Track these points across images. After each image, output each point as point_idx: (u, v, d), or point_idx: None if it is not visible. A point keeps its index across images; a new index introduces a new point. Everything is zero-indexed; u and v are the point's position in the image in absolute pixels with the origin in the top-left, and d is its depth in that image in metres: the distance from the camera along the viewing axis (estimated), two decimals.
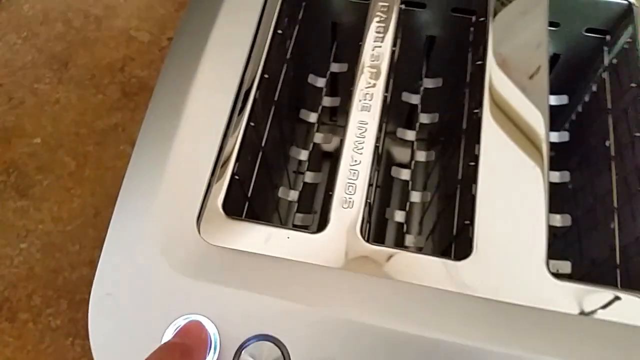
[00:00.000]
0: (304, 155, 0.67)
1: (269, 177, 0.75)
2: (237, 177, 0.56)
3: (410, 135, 0.66)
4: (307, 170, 0.65)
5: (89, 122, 1.12)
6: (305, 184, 0.65)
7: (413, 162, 0.65)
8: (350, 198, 0.53)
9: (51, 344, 0.92)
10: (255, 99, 0.60)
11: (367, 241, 0.51)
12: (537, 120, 0.59)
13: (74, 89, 1.16)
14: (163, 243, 0.51)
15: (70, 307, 0.94)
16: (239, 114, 0.59)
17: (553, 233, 0.64)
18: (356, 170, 0.54)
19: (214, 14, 0.64)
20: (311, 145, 0.67)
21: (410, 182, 0.63)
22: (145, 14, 1.24)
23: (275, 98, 0.69)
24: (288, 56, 0.72)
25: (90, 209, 1.03)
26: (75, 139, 1.10)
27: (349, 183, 0.54)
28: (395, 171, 0.63)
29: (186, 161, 0.55)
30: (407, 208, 0.63)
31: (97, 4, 1.25)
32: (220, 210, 0.53)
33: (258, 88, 0.61)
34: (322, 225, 0.52)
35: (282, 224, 0.78)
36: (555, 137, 0.71)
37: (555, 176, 0.68)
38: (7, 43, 1.22)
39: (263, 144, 0.66)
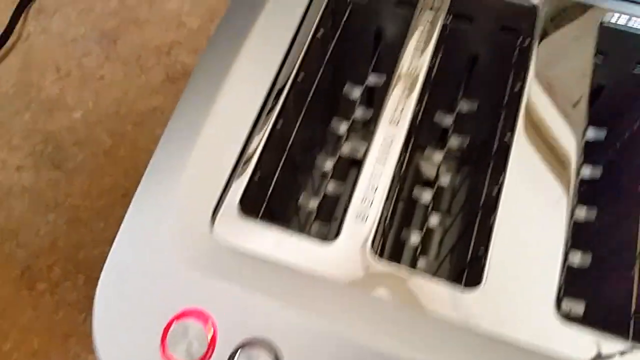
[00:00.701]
0: (328, 164, 0.67)
1: (294, 179, 0.74)
2: (258, 176, 0.56)
3: (438, 157, 0.65)
4: (331, 179, 0.65)
5: (129, 102, 1.13)
6: (326, 193, 0.64)
7: (436, 185, 0.64)
8: (365, 211, 0.52)
9: (65, 316, 0.93)
10: (286, 99, 0.60)
11: (379, 256, 0.51)
12: (568, 155, 0.57)
13: (120, 67, 1.17)
14: (176, 234, 0.51)
15: (87, 284, 0.95)
16: (268, 113, 0.58)
17: (572, 270, 0.63)
18: (375, 184, 0.54)
19: (258, 8, 0.64)
20: (337, 156, 0.66)
21: (431, 204, 0.62)
22: (198, 0, 1.25)
23: (308, 100, 0.68)
24: (326, 59, 0.71)
25: (120, 189, 1.04)
26: (114, 117, 1.11)
27: (365, 197, 0.53)
28: (417, 192, 0.62)
29: (210, 154, 0.55)
30: (425, 230, 0.62)
31: None
32: (236, 208, 0.53)
33: (291, 88, 0.61)
34: (335, 235, 0.52)
35: (301, 228, 0.78)
36: (587, 172, 0.70)
37: (582, 213, 0.67)
38: (63, 15, 1.24)
39: (289, 145, 0.65)
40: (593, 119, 0.67)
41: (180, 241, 0.50)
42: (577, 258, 0.66)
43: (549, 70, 0.61)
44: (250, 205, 0.55)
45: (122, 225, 0.52)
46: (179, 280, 0.49)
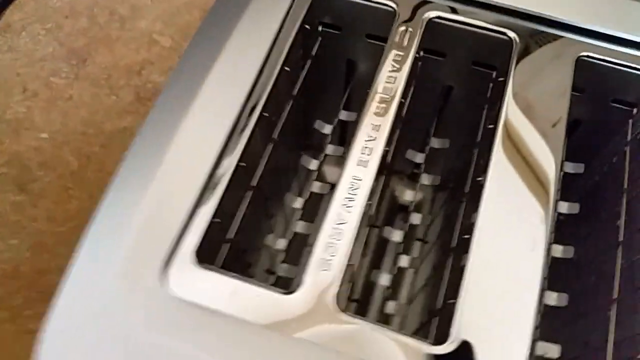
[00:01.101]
0: (299, 202, 0.64)
1: (265, 214, 0.72)
2: (220, 215, 0.53)
3: (409, 194, 0.62)
4: (301, 217, 0.62)
5: (98, 122, 1.10)
6: (296, 233, 0.61)
7: (407, 224, 0.61)
8: (329, 260, 0.50)
9: (25, 347, 0.89)
10: (253, 132, 0.57)
11: (344, 309, 0.48)
12: (543, 194, 0.55)
13: (89, 86, 1.14)
14: (126, 285, 0.48)
15: None
16: (234, 145, 0.56)
17: (548, 312, 0.61)
18: (341, 230, 0.51)
19: (223, 39, 0.61)
20: (308, 193, 0.63)
21: (402, 245, 0.60)
22: (171, 19, 1.22)
23: (277, 133, 0.66)
24: (297, 90, 0.69)
25: (86, 213, 0.99)
26: (82, 138, 1.08)
27: (330, 244, 0.50)
28: (387, 232, 0.60)
29: (166, 196, 0.52)
30: (395, 272, 0.59)
31: (124, 3, 1.24)
32: (191, 256, 0.49)
33: (258, 121, 0.58)
34: (297, 286, 0.49)
35: (271, 267, 0.75)
36: (565, 207, 0.68)
37: (559, 250, 0.64)
38: (30, 33, 1.21)
39: (256, 181, 0.63)
40: (571, 153, 0.65)
41: (130, 293, 0.47)
42: (554, 298, 0.63)
43: (522, 110, 0.59)
44: (210, 250, 0.53)
45: (68, 276, 0.49)
46: (129, 336, 0.46)
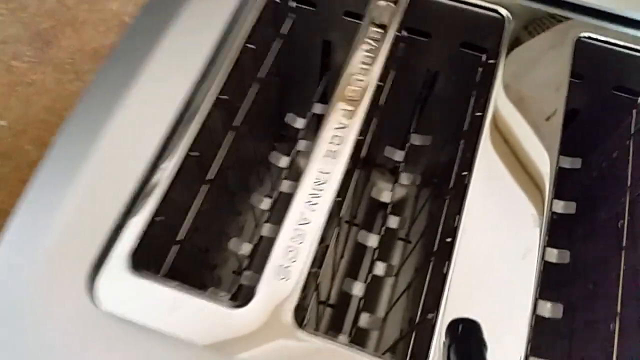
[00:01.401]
0: (265, 204, 0.56)
1: (231, 212, 0.65)
2: (161, 217, 0.46)
3: (387, 194, 0.55)
4: (267, 221, 0.54)
5: (60, 109, 1.03)
6: (262, 236, 0.54)
7: (383, 229, 0.54)
8: (288, 267, 0.43)
9: None
10: (205, 123, 0.50)
11: (302, 325, 0.41)
12: (536, 192, 0.48)
13: (52, 71, 1.07)
14: (44, 295, 0.40)
15: None
16: (179, 138, 0.48)
17: (542, 320, 0.54)
18: (303, 231, 0.44)
19: (174, 9, 0.55)
20: (276, 193, 0.56)
21: (377, 250, 0.52)
22: (144, 0, 1.14)
23: (237, 124, 0.58)
24: (263, 75, 0.61)
25: None
26: (42, 126, 1.01)
27: (290, 248, 0.43)
28: (362, 237, 0.52)
29: (97, 190, 0.45)
30: (369, 280, 0.52)
31: None
32: (126, 260, 0.42)
33: (212, 109, 0.50)
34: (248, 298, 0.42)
35: (239, 269, 0.68)
36: (560, 207, 0.61)
37: (553, 254, 0.58)
38: None
39: (212, 176, 0.55)
40: (567, 146, 0.59)
41: (50, 305, 0.40)
42: (548, 309, 0.57)
43: (517, 92, 0.52)
44: (152, 252, 0.46)
45: None
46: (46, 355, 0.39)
